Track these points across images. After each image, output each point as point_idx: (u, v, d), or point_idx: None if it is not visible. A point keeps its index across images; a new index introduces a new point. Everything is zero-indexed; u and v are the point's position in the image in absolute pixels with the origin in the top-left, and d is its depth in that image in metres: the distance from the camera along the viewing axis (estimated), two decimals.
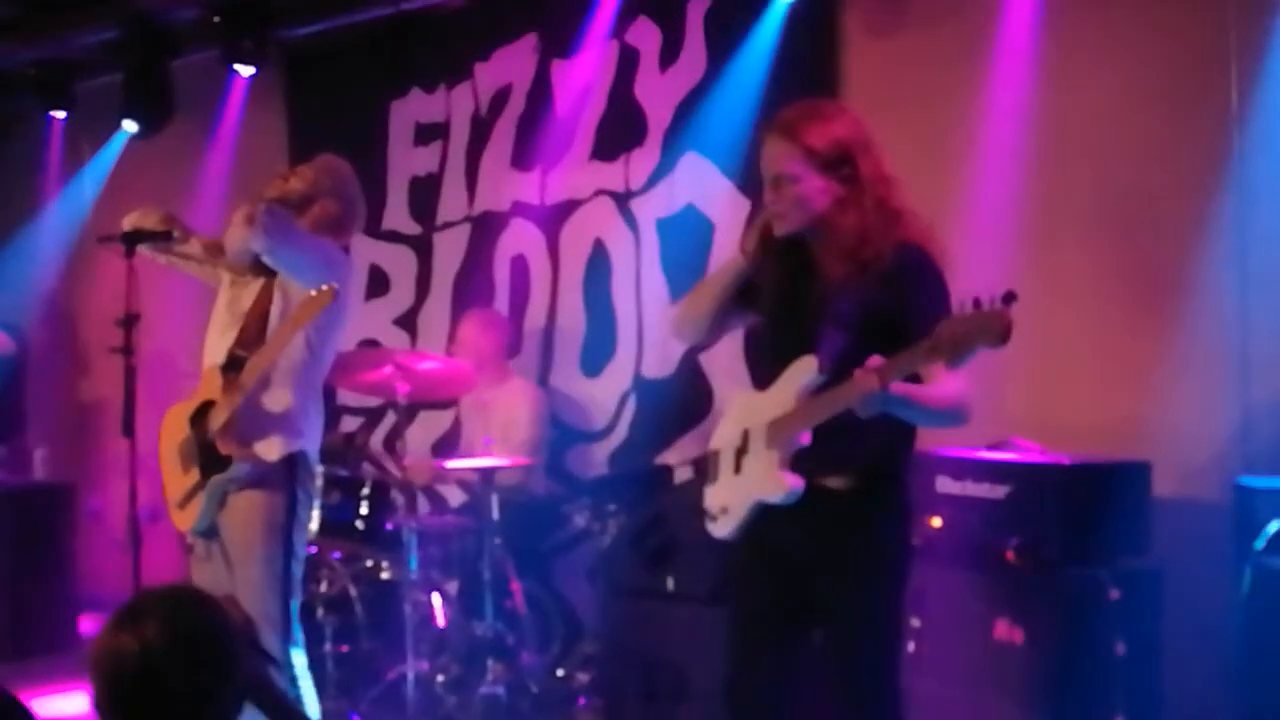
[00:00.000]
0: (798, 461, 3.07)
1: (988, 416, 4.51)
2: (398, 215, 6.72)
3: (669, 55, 5.82)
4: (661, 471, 5.58)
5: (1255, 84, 4.39)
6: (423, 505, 6.16)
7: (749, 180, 5.16)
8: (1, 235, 7.95)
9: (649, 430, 5.84)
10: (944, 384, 2.93)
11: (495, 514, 5.13)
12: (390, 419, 6.43)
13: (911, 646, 4.13)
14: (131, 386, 3.96)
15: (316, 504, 4.67)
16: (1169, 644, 4.06)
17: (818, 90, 5.16)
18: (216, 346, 4.00)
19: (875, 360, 2.84)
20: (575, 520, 5.30)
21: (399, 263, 6.72)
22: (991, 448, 4.34)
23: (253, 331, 3.95)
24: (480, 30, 6.35)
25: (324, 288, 3.74)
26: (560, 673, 5.19)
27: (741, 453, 3.21)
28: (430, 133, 6.62)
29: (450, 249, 6.55)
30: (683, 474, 5.40)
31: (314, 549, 4.99)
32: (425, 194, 6.64)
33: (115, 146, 7.43)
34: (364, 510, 5.37)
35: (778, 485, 3.07)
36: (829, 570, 3.11)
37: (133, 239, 4.05)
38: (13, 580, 6.65)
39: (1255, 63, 4.38)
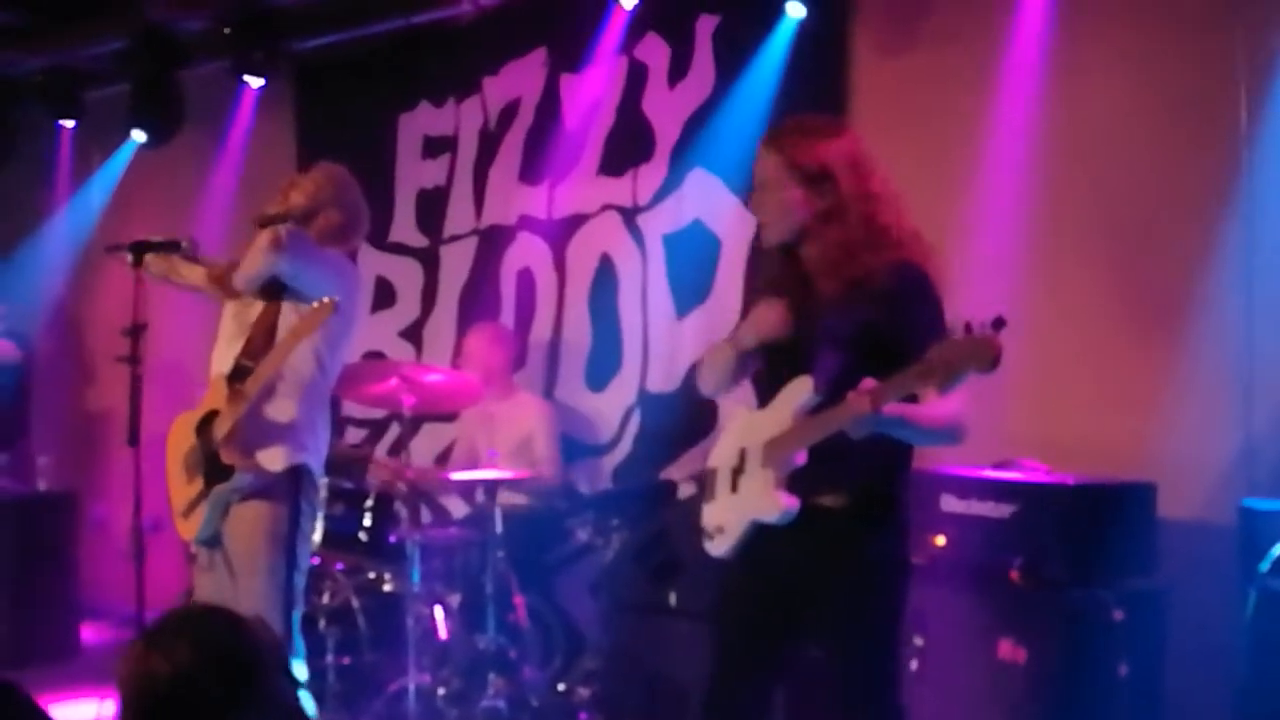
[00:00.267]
0: (793, 481, 3.08)
1: (993, 436, 4.53)
2: (405, 228, 6.73)
3: (678, 71, 5.82)
4: (665, 486, 5.57)
5: (1263, 104, 4.38)
6: (425, 517, 6.16)
7: None
8: (9, 243, 7.97)
9: (653, 445, 5.84)
10: (939, 403, 2.94)
11: (499, 527, 5.13)
12: (395, 431, 6.44)
13: (914, 665, 4.12)
14: (137, 396, 3.97)
15: (320, 516, 4.67)
16: (1173, 666, 4.04)
17: (826, 108, 5.16)
18: (223, 356, 4.01)
19: (868, 383, 2.86)
20: (578, 534, 5.29)
21: (405, 275, 6.73)
22: (996, 467, 4.34)
23: (259, 342, 3.96)
24: (489, 44, 6.36)
25: (325, 300, 3.75)
26: (562, 687, 5.18)
27: (738, 472, 3.22)
28: (438, 146, 6.64)
29: (457, 262, 6.56)
30: (686, 489, 5.39)
31: (317, 560, 4.99)
32: (432, 207, 6.65)
33: (124, 156, 7.45)
34: (367, 522, 5.37)
35: (773, 505, 3.08)
36: (825, 590, 3.11)
37: (140, 249, 4.07)
38: (15, 588, 6.65)
39: (1263, 83, 4.38)
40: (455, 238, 6.58)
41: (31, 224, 8.04)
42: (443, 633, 5.12)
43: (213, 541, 3.97)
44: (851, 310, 3.04)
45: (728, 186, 5.59)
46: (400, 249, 6.74)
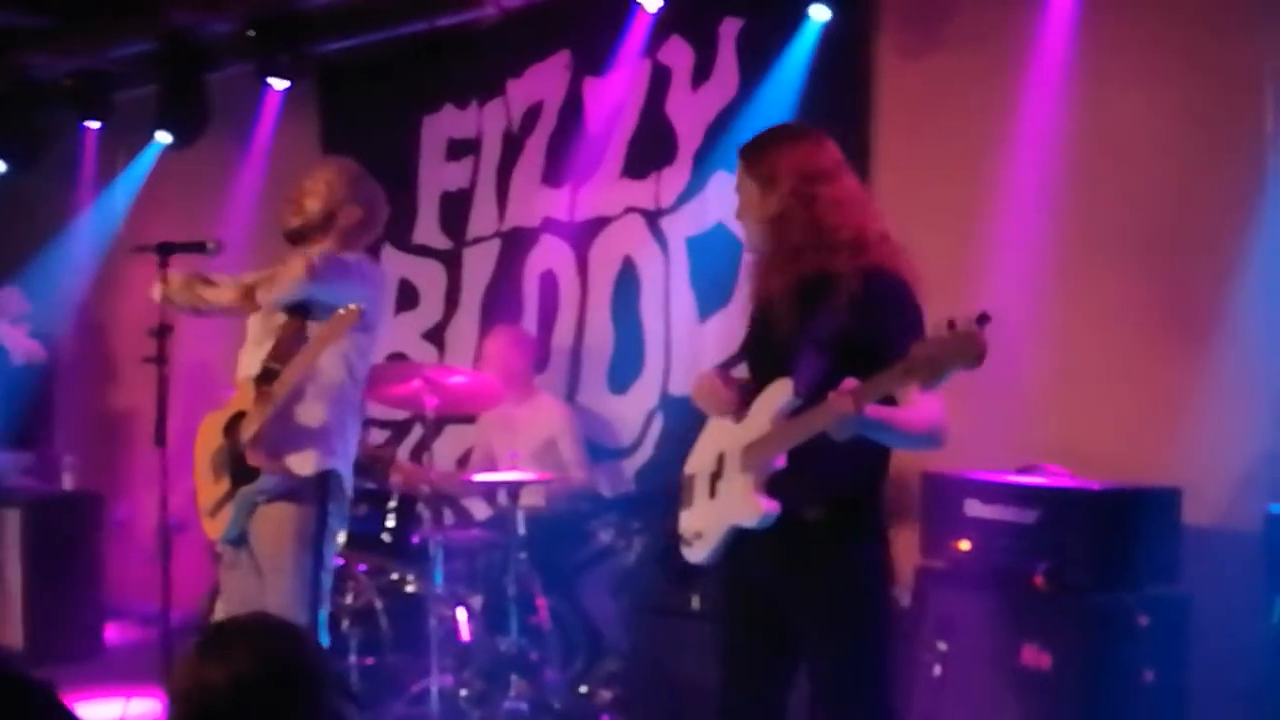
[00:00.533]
0: (773, 487, 3.06)
1: (1017, 442, 4.52)
2: (428, 230, 6.75)
3: (701, 74, 5.83)
4: None
5: None
6: (448, 518, 6.17)
7: None
8: (35, 243, 8.01)
9: (676, 448, 5.78)
10: (919, 407, 2.94)
11: (521, 529, 5.14)
12: (418, 432, 6.45)
13: (938, 670, 4.11)
14: (164, 397, 3.99)
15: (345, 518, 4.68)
16: (1198, 672, 4.03)
17: (849, 111, 5.17)
18: (251, 359, 4.03)
19: (850, 383, 2.84)
20: (601, 537, 5.30)
21: (428, 277, 6.75)
22: (1021, 472, 4.32)
23: (287, 346, 3.97)
24: (513, 47, 6.37)
25: (351, 307, 3.77)
26: (583, 690, 5.18)
27: (716, 477, 3.20)
28: (462, 148, 6.65)
29: (480, 264, 6.57)
30: None
31: (340, 561, 5.00)
32: (456, 209, 6.66)
33: (149, 157, 7.48)
34: (390, 523, 5.39)
35: (753, 509, 3.05)
36: (808, 604, 3.10)
37: (166, 250, 4.09)
38: (40, 588, 6.67)
39: None
40: (478, 240, 6.59)
41: (57, 225, 8.07)
42: (465, 634, 5.13)
43: (239, 541, 3.99)
44: (827, 315, 3.03)
45: None
46: (423, 251, 6.75)
